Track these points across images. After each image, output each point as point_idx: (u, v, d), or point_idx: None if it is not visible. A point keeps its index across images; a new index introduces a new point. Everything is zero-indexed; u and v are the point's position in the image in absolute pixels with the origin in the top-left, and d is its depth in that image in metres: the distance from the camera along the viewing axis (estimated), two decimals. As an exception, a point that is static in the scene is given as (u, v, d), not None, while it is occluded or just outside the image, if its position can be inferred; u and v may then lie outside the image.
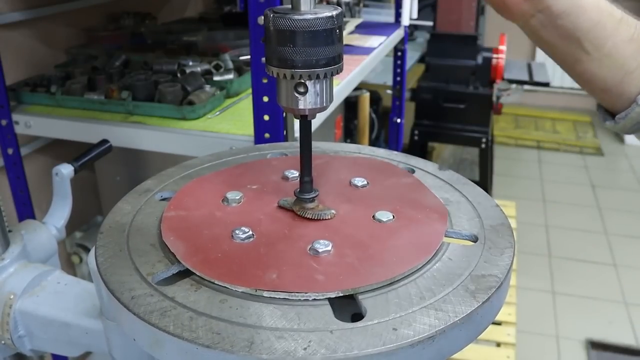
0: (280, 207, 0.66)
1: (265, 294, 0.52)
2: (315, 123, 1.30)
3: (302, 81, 0.58)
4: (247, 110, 1.22)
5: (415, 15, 2.29)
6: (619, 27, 0.64)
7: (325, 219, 0.63)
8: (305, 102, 0.60)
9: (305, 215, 0.63)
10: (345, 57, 1.78)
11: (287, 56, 0.57)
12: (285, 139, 1.10)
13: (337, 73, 0.60)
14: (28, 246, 0.86)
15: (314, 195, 0.65)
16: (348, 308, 0.52)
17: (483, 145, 2.87)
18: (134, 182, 0.74)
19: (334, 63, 0.59)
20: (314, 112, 0.61)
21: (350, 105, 2.30)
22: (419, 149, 2.98)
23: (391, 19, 2.31)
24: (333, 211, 0.64)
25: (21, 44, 1.55)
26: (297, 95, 0.60)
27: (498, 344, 2.02)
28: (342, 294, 0.52)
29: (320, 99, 0.60)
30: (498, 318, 2.12)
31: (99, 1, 1.82)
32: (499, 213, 0.66)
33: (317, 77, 0.58)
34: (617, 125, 0.71)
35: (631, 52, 0.65)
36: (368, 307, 0.50)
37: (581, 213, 3.37)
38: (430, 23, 3.16)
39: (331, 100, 0.63)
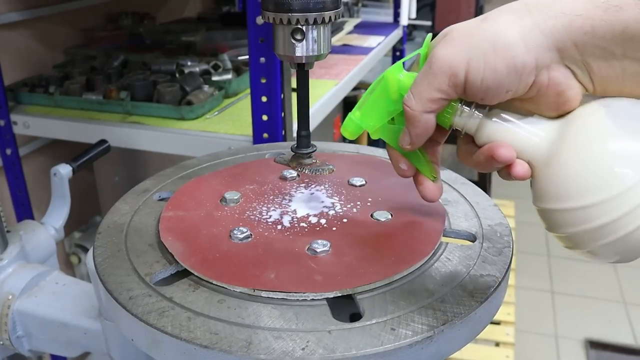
0: (276, 162, 0.64)
1: (264, 294, 0.52)
2: (314, 122, 1.30)
3: (299, 27, 0.57)
4: (246, 110, 1.22)
5: (413, 15, 2.29)
6: None
7: (324, 175, 0.62)
8: (302, 49, 0.59)
9: (303, 171, 0.62)
10: (344, 56, 1.79)
11: (284, 0, 0.56)
12: (283, 138, 1.10)
13: (336, 19, 0.58)
14: (26, 247, 0.86)
15: (312, 150, 0.63)
16: (346, 308, 0.52)
17: (482, 145, 2.87)
18: (133, 182, 0.74)
19: (332, 8, 0.58)
20: (311, 59, 0.60)
21: (348, 105, 2.30)
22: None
23: (390, 18, 2.31)
24: (331, 166, 0.63)
25: (19, 44, 1.55)
26: (293, 42, 0.58)
27: (497, 344, 2.02)
28: (340, 294, 0.52)
29: (318, 45, 0.59)
30: (497, 317, 2.12)
31: (97, 1, 1.82)
32: (498, 212, 0.66)
33: (315, 21, 0.57)
34: None
35: None
36: (366, 307, 0.50)
37: (580, 212, 3.37)
38: (428, 23, 3.16)
39: (329, 48, 0.61)
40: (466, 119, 0.50)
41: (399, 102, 0.52)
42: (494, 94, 0.46)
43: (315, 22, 0.57)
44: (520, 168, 0.47)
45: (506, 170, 0.48)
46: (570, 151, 0.44)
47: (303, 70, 0.61)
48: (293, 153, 0.64)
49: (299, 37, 0.58)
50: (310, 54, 0.59)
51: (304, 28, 0.57)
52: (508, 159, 0.47)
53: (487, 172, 2.75)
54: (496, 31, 0.45)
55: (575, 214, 0.44)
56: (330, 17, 0.58)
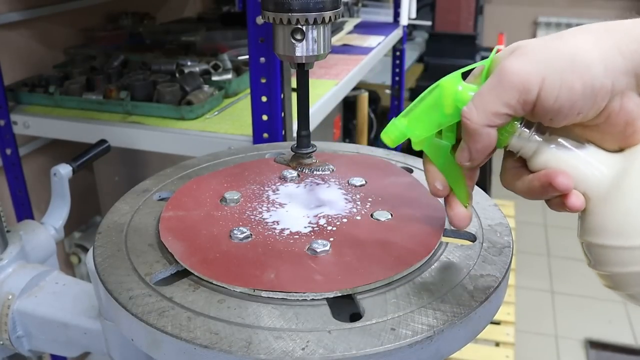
0: (276, 162, 0.64)
1: (264, 294, 0.52)
2: (314, 122, 1.30)
3: (299, 26, 0.57)
4: (246, 110, 1.22)
5: (413, 15, 2.29)
6: None
7: (325, 174, 0.61)
8: (302, 49, 0.59)
9: (304, 171, 0.62)
10: (344, 56, 1.79)
11: None
12: (283, 138, 1.10)
13: (335, 19, 0.58)
14: (26, 246, 0.86)
15: (312, 150, 0.63)
16: (346, 308, 0.52)
17: (482, 145, 2.87)
18: (133, 182, 0.74)
19: (332, 7, 0.57)
20: (311, 59, 0.60)
21: (348, 105, 2.30)
22: (417, 148, 2.98)
23: (390, 18, 2.31)
24: (331, 166, 0.62)
25: (19, 44, 1.55)
26: (294, 42, 0.58)
27: (497, 344, 2.02)
28: (340, 294, 0.52)
29: (318, 45, 0.59)
30: (497, 317, 2.12)
31: (97, 1, 1.82)
32: (498, 212, 0.66)
33: (315, 21, 0.57)
34: None
35: None
36: (366, 307, 0.50)
37: (580, 212, 3.37)
38: (428, 23, 3.17)
39: (329, 49, 0.61)
40: (524, 141, 0.47)
41: (453, 114, 0.49)
42: (566, 114, 0.44)
43: (315, 22, 0.57)
44: (576, 200, 0.45)
45: (559, 200, 0.46)
46: (632, 188, 0.42)
47: (303, 70, 0.61)
48: (293, 153, 0.63)
49: (299, 37, 0.58)
50: (310, 54, 0.59)
51: (304, 28, 0.57)
52: (566, 187, 0.44)
53: (487, 172, 2.75)
54: (575, 49, 0.43)
55: (628, 253, 0.42)
56: (330, 17, 0.57)
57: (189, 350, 0.46)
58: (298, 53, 0.59)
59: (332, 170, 0.61)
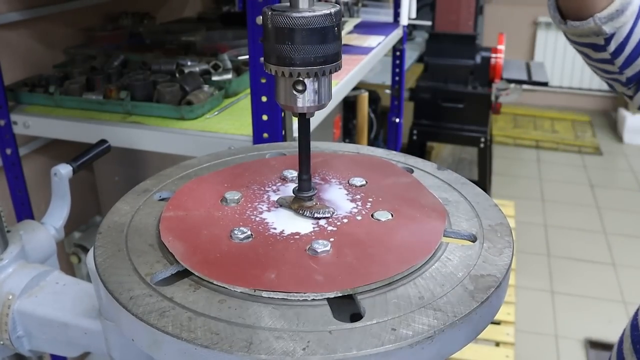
0: (278, 203, 0.66)
1: (264, 294, 0.52)
2: (314, 122, 1.30)
3: (301, 79, 0.58)
4: (246, 110, 1.22)
5: (413, 15, 2.29)
6: None
7: (325, 217, 0.63)
8: (303, 100, 0.60)
9: (305, 214, 0.63)
10: (344, 56, 1.78)
11: (286, 54, 0.57)
12: (284, 138, 1.10)
13: (336, 71, 0.60)
14: (27, 246, 0.86)
15: (312, 193, 0.65)
16: (347, 308, 0.52)
17: (482, 145, 2.87)
18: (133, 182, 0.74)
19: (333, 61, 0.59)
20: (312, 110, 0.61)
21: (348, 105, 2.30)
22: (417, 148, 2.99)
23: (390, 18, 2.31)
24: (332, 209, 0.64)
25: (20, 44, 1.55)
26: (295, 93, 0.59)
27: (497, 344, 2.03)
28: (340, 294, 0.52)
29: (319, 96, 0.60)
30: (497, 317, 2.12)
31: (97, 1, 1.82)
32: (498, 213, 0.66)
33: (316, 75, 0.58)
34: (566, 28, 0.81)
35: None
36: (367, 307, 0.50)
37: (580, 212, 3.38)
38: (429, 23, 3.17)
39: (330, 98, 0.62)
40: None
41: None
42: None
43: (316, 75, 0.58)
44: None
45: None
46: None
47: (305, 119, 0.63)
48: (294, 195, 0.65)
49: (300, 88, 0.59)
50: (312, 104, 0.60)
51: (305, 80, 0.58)
52: None
53: (487, 172, 2.75)
54: None
55: None
56: (330, 70, 0.59)
57: (190, 351, 0.46)
58: (299, 104, 0.60)
59: (332, 213, 0.63)
